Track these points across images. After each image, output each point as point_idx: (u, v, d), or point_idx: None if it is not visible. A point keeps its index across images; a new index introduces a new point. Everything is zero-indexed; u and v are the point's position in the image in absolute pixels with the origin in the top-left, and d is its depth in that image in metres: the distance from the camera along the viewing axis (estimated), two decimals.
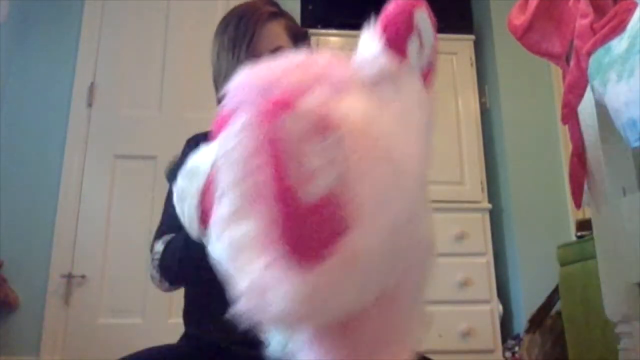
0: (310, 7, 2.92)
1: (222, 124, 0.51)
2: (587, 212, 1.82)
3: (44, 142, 2.71)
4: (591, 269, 1.54)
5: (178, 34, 2.91)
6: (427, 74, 0.55)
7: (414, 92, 0.53)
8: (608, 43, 1.03)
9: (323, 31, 2.91)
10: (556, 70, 1.25)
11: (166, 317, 2.46)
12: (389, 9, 0.52)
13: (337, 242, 0.44)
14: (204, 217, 0.57)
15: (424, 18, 0.53)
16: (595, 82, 1.05)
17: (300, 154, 0.44)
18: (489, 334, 2.53)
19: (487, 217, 2.74)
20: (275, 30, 0.95)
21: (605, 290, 1.17)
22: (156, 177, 2.56)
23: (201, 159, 0.59)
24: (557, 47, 1.23)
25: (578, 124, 1.24)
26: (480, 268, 2.64)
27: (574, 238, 2.37)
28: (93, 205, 2.66)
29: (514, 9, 1.33)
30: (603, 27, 1.05)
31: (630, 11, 1.01)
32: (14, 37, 2.77)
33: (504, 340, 2.56)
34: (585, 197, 1.25)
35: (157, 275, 0.93)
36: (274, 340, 0.56)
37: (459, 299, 2.54)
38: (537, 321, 2.26)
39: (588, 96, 1.16)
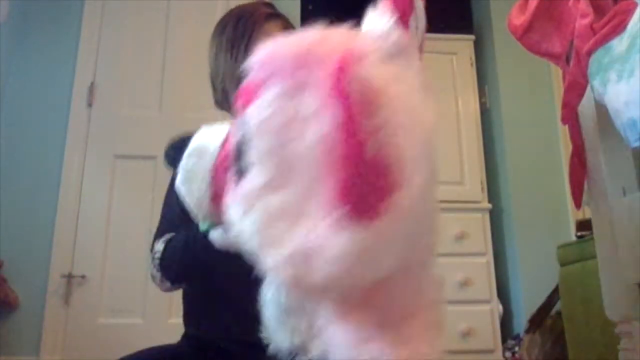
0: (310, 7, 2.92)
1: (251, 96, 0.52)
2: (587, 212, 1.82)
3: (44, 142, 2.71)
4: (591, 269, 1.54)
5: (178, 34, 2.91)
6: (419, 54, 0.58)
7: (419, 67, 0.56)
8: (608, 43, 1.03)
9: None
10: (556, 70, 1.25)
11: (166, 317, 2.46)
12: None
13: (389, 200, 0.46)
14: (216, 196, 0.56)
15: (419, 1, 0.57)
16: (595, 82, 1.05)
17: (363, 112, 0.46)
18: (489, 334, 2.53)
19: (487, 217, 2.74)
20: (273, 31, 0.96)
21: (605, 290, 1.17)
22: (156, 177, 2.56)
23: (207, 138, 0.59)
24: (557, 47, 1.23)
25: (578, 124, 1.24)
26: (480, 268, 2.64)
27: (574, 238, 2.37)
28: (93, 205, 2.66)
29: (514, 9, 1.33)
30: (603, 27, 1.05)
31: (630, 11, 1.01)
32: (14, 37, 2.77)
33: (504, 340, 2.56)
34: (585, 197, 1.25)
35: (157, 275, 0.93)
36: (277, 338, 0.57)
37: (459, 299, 2.54)
38: (537, 321, 2.26)
39: (588, 96, 1.16)
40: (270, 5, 1.05)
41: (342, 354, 0.49)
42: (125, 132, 2.78)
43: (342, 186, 0.46)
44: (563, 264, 2.03)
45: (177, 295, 1.05)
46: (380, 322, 0.50)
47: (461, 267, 2.58)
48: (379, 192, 0.46)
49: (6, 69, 2.73)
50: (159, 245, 0.93)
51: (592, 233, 1.32)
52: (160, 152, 2.89)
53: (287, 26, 1.04)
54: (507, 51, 2.92)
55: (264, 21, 0.99)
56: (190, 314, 1.04)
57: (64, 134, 2.72)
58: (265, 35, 0.95)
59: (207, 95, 1.06)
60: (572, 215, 2.67)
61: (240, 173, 0.52)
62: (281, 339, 0.57)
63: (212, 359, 0.95)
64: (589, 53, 1.07)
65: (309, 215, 0.47)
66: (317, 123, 0.47)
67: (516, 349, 2.44)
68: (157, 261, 0.92)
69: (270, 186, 0.48)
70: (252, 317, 0.96)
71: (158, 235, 0.96)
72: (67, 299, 2.52)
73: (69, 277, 2.53)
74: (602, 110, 1.11)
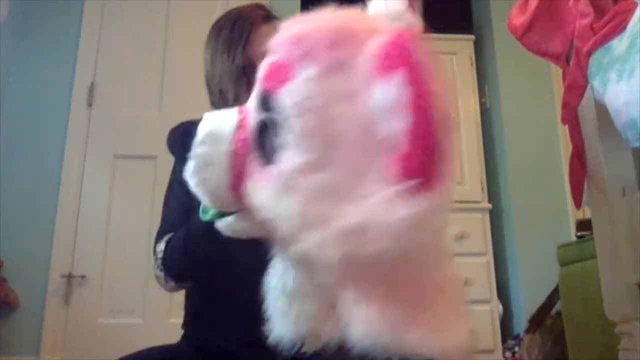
0: (310, 7, 2.92)
1: (281, 76, 0.52)
2: (587, 212, 1.82)
3: (44, 142, 2.71)
4: (591, 269, 1.54)
5: (178, 34, 2.91)
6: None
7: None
8: (608, 43, 1.03)
9: None
10: (556, 70, 1.25)
11: (166, 317, 2.46)
12: None
13: (443, 170, 0.47)
14: (236, 181, 0.55)
15: None
16: (595, 82, 1.05)
17: (428, 85, 0.48)
18: (489, 334, 2.53)
19: (487, 217, 2.74)
20: (269, 33, 0.97)
21: (605, 290, 1.17)
22: (156, 177, 2.56)
23: (218, 123, 0.57)
24: (557, 47, 1.23)
25: (578, 124, 1.24)
26: (480, 268, 2.64)
27: (574, 238, 2.37)
28: (93, 205, 2.66)
29: (514, 9, 1.33)
30: (603, 27, 1.05)
31: (630, 11, 1.01)
32: (14, 37, 2.77)
33: (504, 340, 2.56)
34: (585, 197, 1.25)
35: (161, 275, 0.93)
36: (280, 327, 0.56)
37: None
38: (537, 321, 2.26)
39: (588, 96, 1.16)
40: (265, 8, 1.06)
41: (374, 339, 0.47)
42: (125, 132, 2.78)
43: (406, 158, 0.46)
44: (563, 264, 2.02)
45: (177, 295, 1.05)
46: (412, 301, 0.49)
47: (461, 267, 2.58)
48: (437, 163, 0.47)
49: (6, 69, 2.72)
50: (161, 246, 0.93)
51: (592, 233, 1.32)
52: (160, 152, 2.88)
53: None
54: (507, 51, 2.92)
55: (260, 23, 1.00)
56: (190, 314, 1.04)
57: (64, 134, 2.72)
58: (262, 37, 0.96)
59: (207, 95, 1.06)
60: (572, 215, 2.67)
61: (267, 155, 0.52)
62: (284, 328, 0.56)
63: (212, 359, 0.95)
64: (589, 53, 1.07)
65: (361, 191, 0.47)
66: (370, 100, 0.48)
67: (516, 349, 2.44)
68: (159, 261, 0.92)
69: (312, 165, 0.49)
70: (252, 317, 0.97)
71: (159, 237, 0.96)
72: (67, 299, 2.52)
73: (69, 277, 2.53)
74: (602, 110, 1.11)
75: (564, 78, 1.24)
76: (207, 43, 1.03)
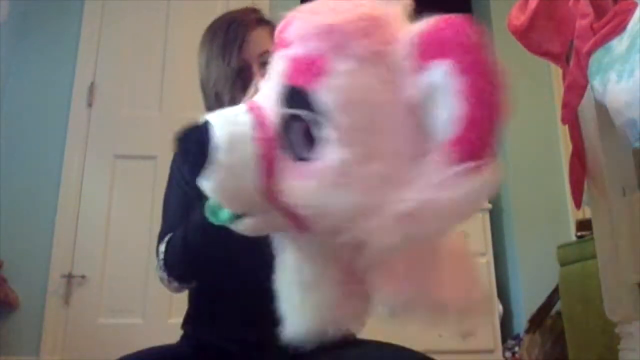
0: None
1: (313, 71, 0.51)
2: (587, 212, 1.81)
3: (44, 142, 2.71)
4: (591, 269, 1.54)
5: (178, 34, 2.91)
6: None
7: None
8: (608, 43, 1.03)
9: None
10: (556, 70, 1.25)
11: (166, 317, 2.46)
12: None
13: (493, 151, 0.49)
14: (266, 182, 0.53)
15: None
16: (595, 82, 1.05)
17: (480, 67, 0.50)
18: (489, 334, 2.53)
19: (487, 217, 2.74)
20: (263, 35, 0.98)
21: (605, 290, 1.17)
22: (156, 177, 2.55)
23: (233, 125, 0.54)
24: (557, 47, 1.23)
25: (578, 124, 1.24)
26: (480, 268, 2.63)
27: (574, 238, 2.37)
28: (93, 205, 2.66)
29: (514, 9, 1.33)
30: (603, 27, 1.05)
31: (630, 11, 1.01)
32: (14, 36, 2.77)
33: (504, 340, 2.56)
34: (585, 197, 1.25)
35: (164, 276, 0.93)
36: (296, 321, 0.57)
37: None
38: (537, 321, 2.26)
39: (588, 96, 1.16)
40: (258, 11, 1.07)
41: (403, 298, 0.52)
42: (125, 132, 2.78)
43: (460, 142, 0.48)
44: (563, 264, 2.02)
45: (177, 295, 1.05)
46: (431, 262, 0.54)
47: None
48: (489, 146, 0.49)
49: (6, 69, 2.72)
50: (162, 247, 0.94)
51: (592, 233, 1.32)
52: (160, 152, 2.88)
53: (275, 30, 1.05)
54: (507, 51, 2.91)
55: (254, 26, 1.01)
56: (191, 314, 1.04)
57: (64, 134, 2.72)
58: (256, 40, 0.98)
59: None
60: (572, 215, 2.67)
61: (297, 151, 0.52)
62: (301, 322, 0.57)
63: (212, 359, 0.95)
64: (589, 53, 1.07)
65: (411, 175, 0.49)
66: (414, 87, 0.49)
67: (516, 349, 2.44)
68: (161, 262, 0.93)
69: (360, 156, 0.49)
70: (252, 317, 0.97)
71: (160, 238, 0.96)
72: (67, 299, 2.52)
73: (69, 277, 2.53)
74: (602, 110, 1.11)
75: (564, 78, 1.24)
76: (201, 47, 1.04)
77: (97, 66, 2.85)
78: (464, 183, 0.47)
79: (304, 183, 0.51)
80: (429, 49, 0.49)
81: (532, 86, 2.96)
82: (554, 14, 1.23)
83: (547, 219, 2.77)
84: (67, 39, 2.85)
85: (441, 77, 0.48)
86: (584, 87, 1.14)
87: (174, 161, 1.09)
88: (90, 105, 2.79)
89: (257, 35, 0.99)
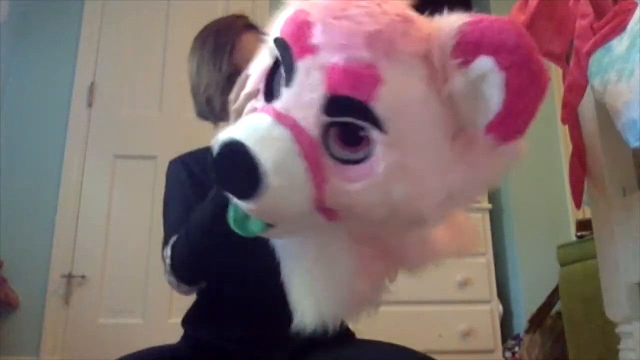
0: None
1: (363, 79, 0.51)
2: (587, 212, 1.82)
3: (44, 142, 2.71)
4: (591, 269, 1.53)
5: (178, 34, 2.91)
6: None
7: None
8: (608, 43, 1.03)
9: None
10: (556, 70, 1.25)
11: (166, 317, 2.46)
12: None
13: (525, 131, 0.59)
14: (319, 194, 0.53)
15: None
16: (595, 82, 1.05)
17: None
18: (489, 334, 2.53)
19: (487, 217, 2.74)
20: (252, 40, 1.00)
21: (605, 290, 1.17)
22: (156, 177, 2.55)
23: (266, 141, 0.52)
24: (557, 47, 1.23)
25: (578, 124, 1.24)
26: (480, 268, 2.63)
27: (574, 238, 2.37)
28: (93, 205, 2.66)
29: (514, 9, 1.33)
30: (603, 27, 1.04)
31: (630, 11, 1.01)
32: (14, 36, 2.77)
33: (504, 340, 2.56)
34: (585, 197, 1.25)
35: (173, 280, 0.93)
36: (303, 309, 0.58)
37: (459, 299, 2.54)
38: (537, 321, 2.26)
39: (588, 96, 1.16)
40: (245, 17, 1.09)
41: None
42: (125, 132, 2.78)
43: (497, 129, 0.55)
44: (563, 264, 2.02)
45: (177, 295, 1.05)
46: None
47: (461, 267, 2.58)
48: (524, 132, 0.60)
49: (6, 69, 2.72)
50: (167, 251, 0.93)
51: (592, 233, 1.32)
52: (160, 152, 2.87)
53: (262, 37, 1.07)
54: None
55: (244, 31, 1.03)
56: (191, 313, 1.04)
57: (64, 134, 2.72)
58: (246, 45, 0.99)
59: None
60: (572, 215, 2.67)
61: (337, 155, 0.53)
62: (309, 309, 0.58)
63: (212, 359, 0.95)
64: (589, 53, 1.07)
65: (450, 160, 0.55)
66: (453, 83, 0.52)
67: (516, 349, 2.44)
68: (168, 267, 0.92)
69: (409, 153, 0.52)
70: (252, 317, 0.97)
71: (165, 242, 0.96)
72: (67, 299, 2.52)
73: (69, 277, 2.53)
74: (602, 110, 1.11)
75: (564, 78, 1.24)
76: (191, 54, 1.06)
77: (97, 66, 2.85)
78: (497, 162, 0.60)
79: (360, 185, 0.52)
80: (473, 46, 0.51)
81: None
82: (554, 14, 1.23)
83: (547, 219, 2.77)
84: (67, 39, 2.85)
85: (486, 70, 0.51)
86: (584, 87, 1.14)
87: (172, 165, 1.09)
88: (90, 105, 2.79)
89: (246, 41, 1.00)
